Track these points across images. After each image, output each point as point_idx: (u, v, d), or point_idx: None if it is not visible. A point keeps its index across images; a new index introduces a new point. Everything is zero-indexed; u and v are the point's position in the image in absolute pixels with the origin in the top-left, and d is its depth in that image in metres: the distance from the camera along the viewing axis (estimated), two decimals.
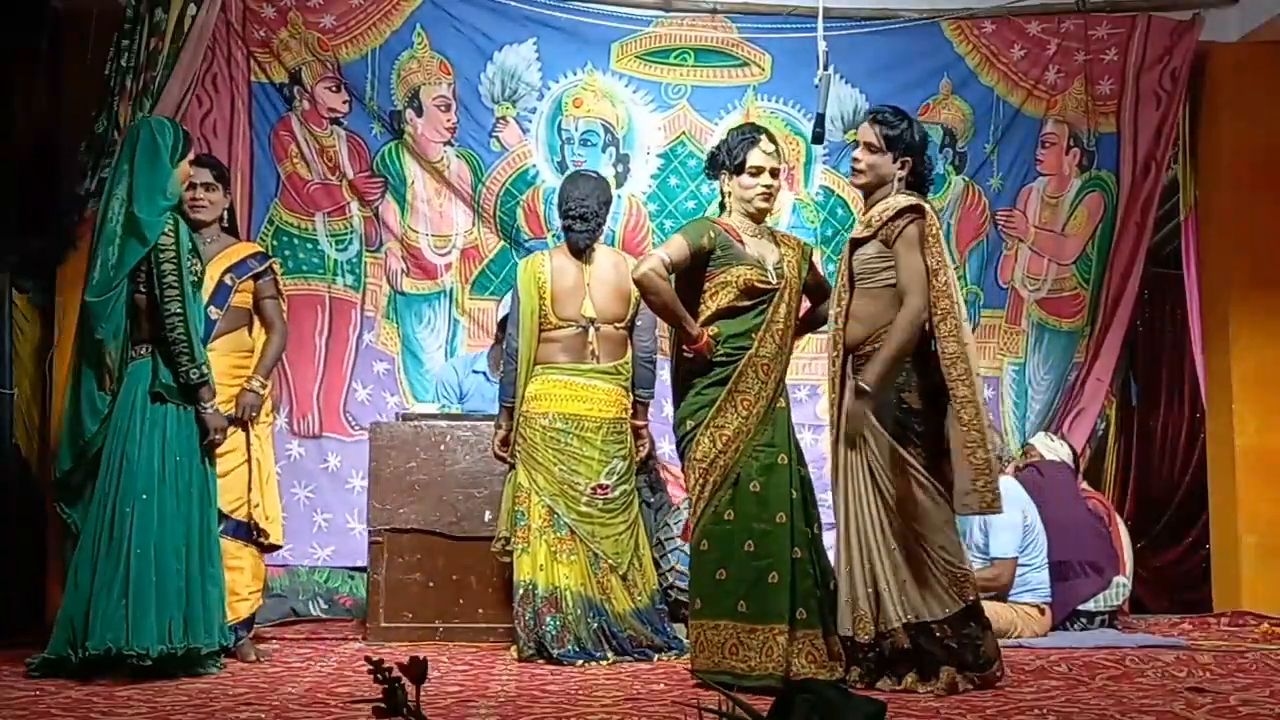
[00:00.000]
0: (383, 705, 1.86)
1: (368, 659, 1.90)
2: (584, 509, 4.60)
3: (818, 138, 4.71)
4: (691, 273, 4.06)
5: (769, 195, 4.14)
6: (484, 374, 5.80)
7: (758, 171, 4.10)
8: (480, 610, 5.02)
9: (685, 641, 4.69)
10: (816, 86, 4.71)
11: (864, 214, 4.01)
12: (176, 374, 4.10)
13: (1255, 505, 6.03)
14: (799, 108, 6.09)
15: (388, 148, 5.99)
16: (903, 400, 3.80)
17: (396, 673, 1.89)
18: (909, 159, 3.93)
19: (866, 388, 3.74)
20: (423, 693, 1.97)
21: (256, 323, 4.75)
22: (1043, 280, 6.31)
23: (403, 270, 6.03)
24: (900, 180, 3.92)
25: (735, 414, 3.94)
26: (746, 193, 4.11)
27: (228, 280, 4.55)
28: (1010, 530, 5.07)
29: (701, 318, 4.02)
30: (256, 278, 4.66)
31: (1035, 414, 6.24)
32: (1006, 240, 6.30)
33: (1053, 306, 6.32)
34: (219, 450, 4.34)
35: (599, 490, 4.61)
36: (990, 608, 5.02)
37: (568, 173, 5.44)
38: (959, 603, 3.76)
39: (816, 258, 4.41)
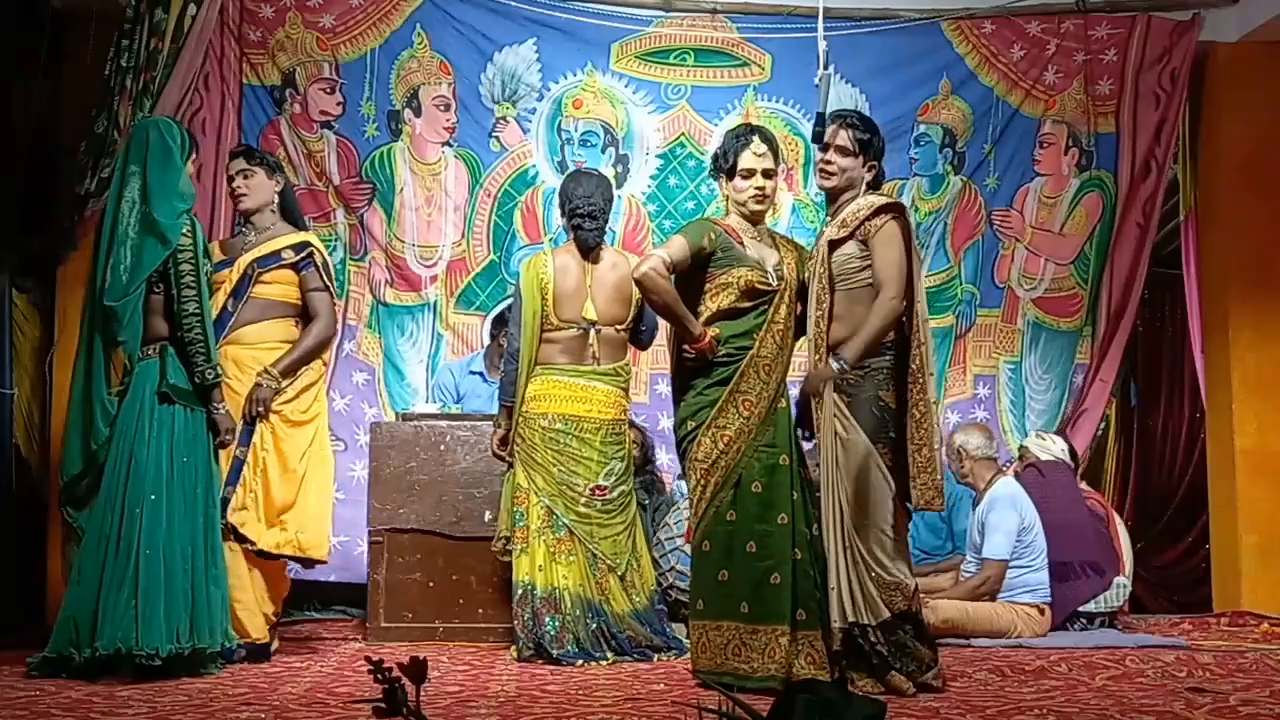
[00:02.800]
0: (383, 705, 1.86)
1: (368, 659, 1.90)
2: (582, 509, 4.59)
3: (817, 137, 4.68)
4: (692, 273, 4.05)
5: (762, 197, 4.13)
6: (481, 374, 5.80)
7: (749, 174, 4.09)
8: (480, 610, 5.02)
9: (685, 642, 4.69)
10: (816, 86, 4.71)
11: (832, 216, 3.99)
12: (192, 373, 4.09)
13: (1255, 505, 6.03)
14: (799, 108, 6.09)
15: (378, 153, 5.98)
16: (880, 398, 3.79)
17: (396, 673, 1.89)
18: (876, 163, 3.96)
19: (846, 358, 3.72)
20: (423, 693, 1.97)
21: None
22: (1039, 279, 6.31)
23: (386, 280, 6.00)
24: (865, 184, 3.94)
25: (737, 414, 3.94)
26: (740, 195, 4.11)
27: (250, 272, 4.46)
28: (1004, 534, 5.08)
29: (702, 318, 4.02)
30: (296, 269, 4.51)
31: (1038, 415, 6.24)
32: (1003, 240, 6.31)
33: (1050, 306, 6.32)
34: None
35: (597, 491, 4.61)
36: (990, 608, 5.05)
37: (568, 171, 5.43)
38: (885, 610, 3.71)
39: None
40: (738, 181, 4.10)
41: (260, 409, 4.38)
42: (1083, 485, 5.80)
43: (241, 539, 4.36)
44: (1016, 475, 5.53)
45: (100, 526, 4.03)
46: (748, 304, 4.01)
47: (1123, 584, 5.43)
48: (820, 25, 4.51)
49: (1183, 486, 6.96)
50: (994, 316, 6.31)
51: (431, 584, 5.03)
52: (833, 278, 3.87)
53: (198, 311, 4.08)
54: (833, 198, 4.00)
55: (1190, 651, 4.64)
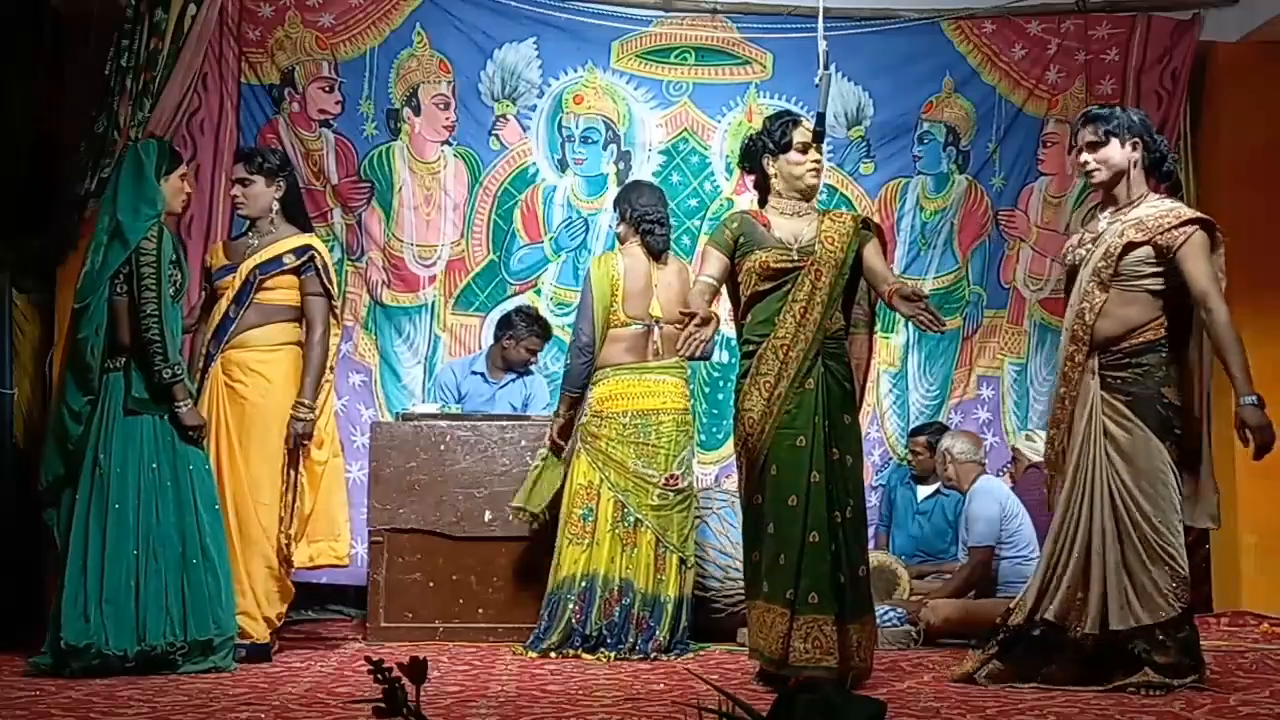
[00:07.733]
0: (383, 705, 1.86)
1: (368, 659, 1.89)
2: (656, 500, 4.71)
3: (818, 137, 4.70)
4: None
5: (818, 170, 4.10)
6: (483, 374, 5.80)
7: (804, 148, 4.05)
8: (480, 610, 5.02)
9: (690, 643, 4.71)
10: (817, 86, 4.71)
11: (1112, 209, 3.93)
12: (150, 374, 4.16)
13: (1255, 505, 6.01)
14: (802, 104, 6.07)
15: (377, 151, 5.98)
16: (1163, 395, 3.78)
17: (396, 673, 1.89)
18: (1137, 139, 3.88)
19: (1256, 399, 3.73)
20: (423, 693, 1.96)
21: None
22: (1045, 280, 6.32)
23: (383, 281, 5.99)
24: (1137, 165, 3.88)
25: (759, 397, 3.91)
26: (797, 169, 4.04)
27: (252, 278, 4.51)
28: (985, 521, 5.18)
29: (740, 307, 4.04)
30: (297, 273, 4.54)
31: (1040, 416, 6.22)
32: (1009, 240, 6.31)
33: (1055, 307, 6.30)
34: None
35: (670, 481, 4.74)
36: (990, 605, 5.03)
37: (627, 181, 5.52)
38: (1175, 607, 3.70)
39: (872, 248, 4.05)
40: (793, 155, 4.04)
41: (305, 442, 4.49)
42: None
43: (288, 563, 4.53)
44: (1013, 478, 5.53)
45: (84, 532, 4.11)
46: (768, 285, 3.96)
47: None
48: (820, 25, 4.51)
49: None
50: (1000, 318, 6.32)
51: (431, 584, 5.03)
52: (1115, 275, 3.82)
53: (156, 313, 4.14)
54: (1107, 190, 3.94)
55: None
